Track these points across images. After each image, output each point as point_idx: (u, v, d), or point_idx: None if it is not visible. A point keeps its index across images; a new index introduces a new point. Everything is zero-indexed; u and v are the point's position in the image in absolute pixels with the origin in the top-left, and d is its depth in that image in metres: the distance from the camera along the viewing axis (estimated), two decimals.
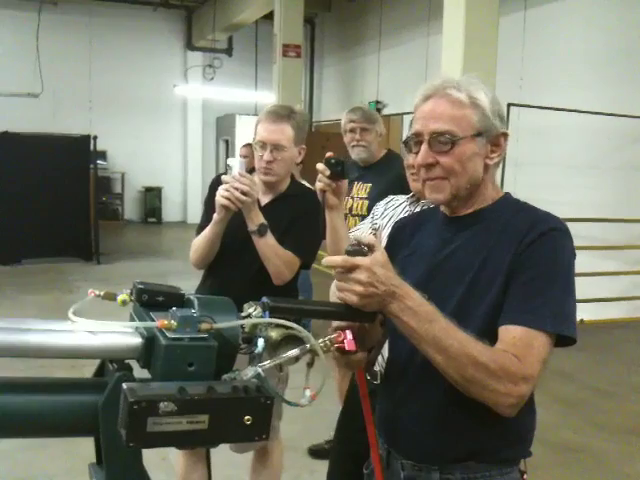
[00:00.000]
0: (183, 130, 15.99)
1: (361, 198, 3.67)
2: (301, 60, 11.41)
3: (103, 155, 13.74)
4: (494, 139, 1.48)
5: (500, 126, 1.48)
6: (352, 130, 3.71)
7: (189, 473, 2.77)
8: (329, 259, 1.27)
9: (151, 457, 3.34)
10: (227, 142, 14.92)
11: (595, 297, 7.20)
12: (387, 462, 1.58)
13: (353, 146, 3.71)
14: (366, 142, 3.69)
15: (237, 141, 12.93)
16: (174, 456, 2.95)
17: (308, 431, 4.17)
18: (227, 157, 13.38)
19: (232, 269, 2.56)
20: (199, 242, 2.57)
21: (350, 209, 3.70)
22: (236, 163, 2.40)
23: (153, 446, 0.96)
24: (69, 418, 1.02)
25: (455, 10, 6.10)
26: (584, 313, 7.24)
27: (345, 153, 3.83)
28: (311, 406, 4.18)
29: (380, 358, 2.24)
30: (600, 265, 7.39)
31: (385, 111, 12.28)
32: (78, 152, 10.24)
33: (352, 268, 1.24)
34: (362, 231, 2.63)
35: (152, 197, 15.81)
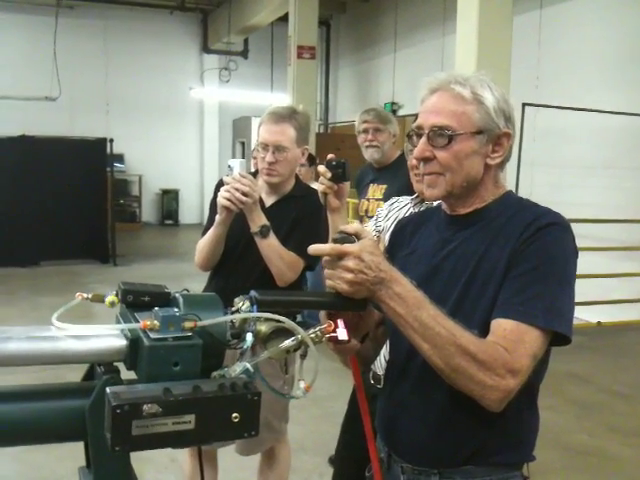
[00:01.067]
0: (199, 133, 16.07)
1: (377, 199, 3.65)
2: (316, 62, 11.41)
3: (120, 158, 13.85)
4: (496, 139, 1.45)
5: (504, 126, 1.45)
6: (365, 131, 3.68)
7: (196, 474, 2.77)
8: (316, 247, 1.26)
9: (160, 459, 3.37)
10: (243, 144, 14.96)
11: (612, 299, 7.11)
12: (388, 465, 1.56)
13: (366, 147, 3.69)
14: (379, 143, 3.65)
15: (253, 143, 12.95)
16: (183, 457, 2.95)
17: (318, 433, 4.16)
18: (243, 159, 13.40)
19: (236, 271, 2.56)
20: (203, 244, 2.57)
21: (366, 211, 3.68)
22: (237, 164, 2.40)
23: (139, 449, 0.95)
24: (57, 424, 1.01)
25: (468, 9, 6.05)
26: (601, 315, 7.21)
27: (359, 154, 3.81)
28: (321, 408, 4.17)
29: (383, 361, 2.22)
30: (619, 266, 7.30)
31: (401, 112, 12.24)
32: (95, 155, 10.32)
33: (341, 255, 1.22)
34: None
35: (169, 200, 15.91)
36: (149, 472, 3.49)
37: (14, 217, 9.71)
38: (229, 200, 2.34)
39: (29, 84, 13.52)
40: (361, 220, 3.83)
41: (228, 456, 2.90)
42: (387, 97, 12.73)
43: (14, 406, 0.99)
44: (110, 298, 1.08)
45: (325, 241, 2.27)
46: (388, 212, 2.56)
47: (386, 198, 3.57)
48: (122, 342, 1.01)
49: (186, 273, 9.02)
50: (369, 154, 3.70)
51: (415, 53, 11.99)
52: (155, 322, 0.97)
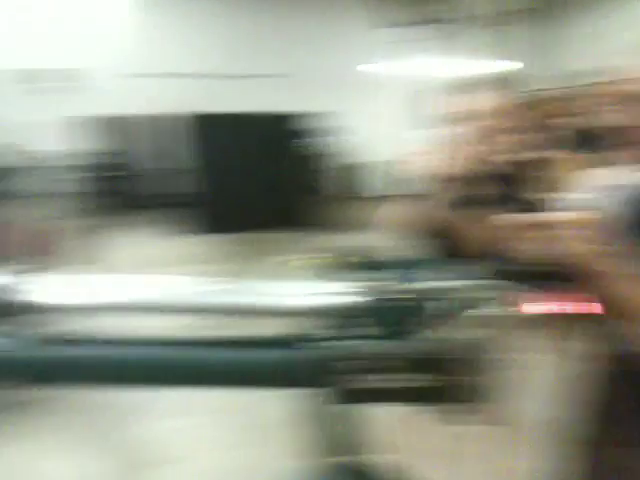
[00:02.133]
0: (382, 106, 15.93)
1: None
2: (517, 26, 10.78)
3: (317, 133, 14.22)
4: None
5: None
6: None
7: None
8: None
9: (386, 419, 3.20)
10: (426, 117, 14.59)
11: None
12: None
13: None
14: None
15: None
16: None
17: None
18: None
19: None
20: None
21: None
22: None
23: (358, 402, 1.00)
24: (293, 371, 1.04)
25: None
26: None
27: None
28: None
29: None
30: None
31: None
32: (293, 130, 11.32)
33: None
34: None
35: (357, 173, 16.09)
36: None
37: (232, 191, 10.87)
38: None
39: (214, 62, 13.96)
40: None
41: None
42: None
43: (246, 353, 1.06)
44: (328, 259, 1.11)
45: None
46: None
47: None
48: (349, 300, 1.03)
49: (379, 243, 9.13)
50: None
51: None
52: (382, 283, 0.99)
